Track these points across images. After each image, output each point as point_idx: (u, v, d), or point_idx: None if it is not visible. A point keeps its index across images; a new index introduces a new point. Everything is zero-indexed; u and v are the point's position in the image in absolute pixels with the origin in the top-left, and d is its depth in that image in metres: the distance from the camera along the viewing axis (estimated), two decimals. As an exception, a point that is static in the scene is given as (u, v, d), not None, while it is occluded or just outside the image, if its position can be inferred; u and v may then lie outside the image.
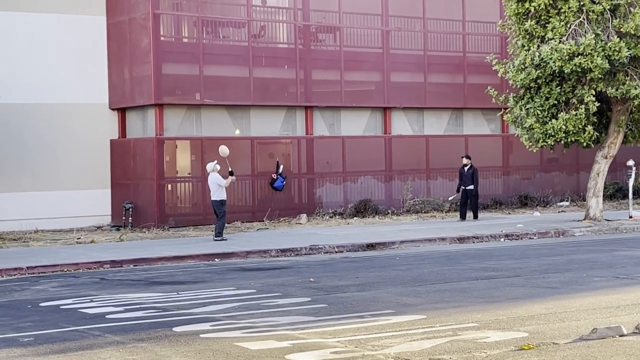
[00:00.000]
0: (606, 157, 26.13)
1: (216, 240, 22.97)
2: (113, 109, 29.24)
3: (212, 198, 23.29)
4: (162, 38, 27.70)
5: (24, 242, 24.41)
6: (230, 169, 23.76)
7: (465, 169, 27.97)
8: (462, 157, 28.45)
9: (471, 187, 27.75)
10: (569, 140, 24.92)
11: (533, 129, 25.05)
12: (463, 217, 27.77)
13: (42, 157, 28.12)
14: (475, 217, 27.89)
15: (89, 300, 14.11)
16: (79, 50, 28.62)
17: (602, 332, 9.80)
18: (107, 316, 12.45)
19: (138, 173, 28.16)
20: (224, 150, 23.77)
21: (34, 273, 18.45)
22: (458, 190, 28.23)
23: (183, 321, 11.76)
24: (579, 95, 24.65)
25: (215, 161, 23.56)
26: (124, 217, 27.79)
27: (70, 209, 28.17)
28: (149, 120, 28.05)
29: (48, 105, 28.24)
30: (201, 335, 10.75)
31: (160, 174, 27.30)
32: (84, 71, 28.68)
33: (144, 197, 27.78)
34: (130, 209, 27.67)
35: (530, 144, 25.63)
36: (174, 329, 11.24)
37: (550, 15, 24.38)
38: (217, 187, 23.12)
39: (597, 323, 10.67)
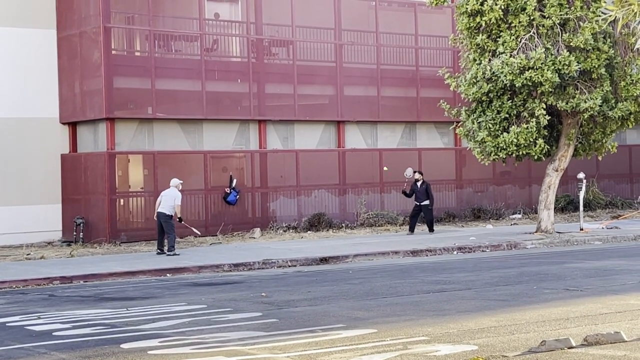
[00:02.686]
0: (557, 170, 26.38)
1: (168, 255, 22.78)
2: (64, 123, 28.90)
3: (161, 210, 23.06)
4: (113, 52, 27.43)
5: (-28, 258, 24.00)
6: (180, 216, 23.50)
7: (418, 184, 27.90)
8: (414, 172, 28.40)
9: (426, 202, 27.70)
10: (521, 153, 25.11)
11: (485, 142, 25.22)
12: (412, 230, 27.76)
13: (-9, 172, 27.71)
14: (431, 230, 27.94)
15: (36, 317, 13.87)
16: (29, 64, 28.26)
17: (550, 345, 9.83)
18: (54, 333, 12.24)
19: (89, 188, 27.84)
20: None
21: (-19, 290, 18.13)
22: (405, 193, 28.22)
23: (131, 338, 11.60)
24: (529, 108, 24.89)
25: (182, 182, 23.78)
26: (75, 233, 27.44)
27: (20, 224, 27.75)
28: (100, 134, 27.76)
29: (-3, 119, 27.88)
30: (149, 352, 10.60)
31: (112, 189, 27.02)
32: (34, 85, 28.33)
33: (95, 212, 27.46)
34: (82, 225, 27.33)
35: (483, 157, 25.80)
36: (122, 345, 11.07)
37: (501, 29, 24.61)
38: (172, 202, 22.99)
39: (546, 335, 10.71)
